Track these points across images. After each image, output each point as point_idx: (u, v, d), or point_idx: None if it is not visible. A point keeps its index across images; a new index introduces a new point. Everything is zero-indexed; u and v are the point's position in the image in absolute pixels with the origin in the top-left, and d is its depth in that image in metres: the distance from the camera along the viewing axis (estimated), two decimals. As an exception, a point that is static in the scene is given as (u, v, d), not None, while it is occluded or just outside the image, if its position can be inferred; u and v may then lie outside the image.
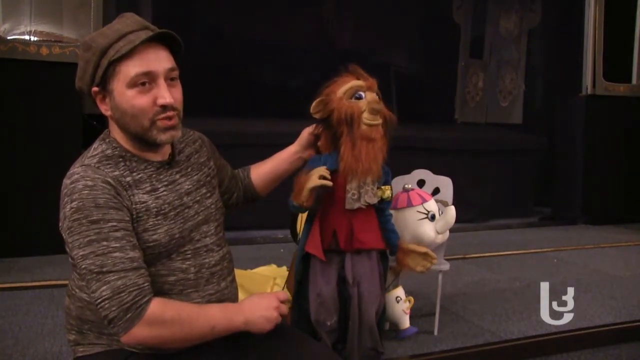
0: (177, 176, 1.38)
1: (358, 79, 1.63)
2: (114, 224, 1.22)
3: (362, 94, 1.61)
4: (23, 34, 2.97)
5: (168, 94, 1.27)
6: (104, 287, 1.19)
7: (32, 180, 2.90)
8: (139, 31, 1.27)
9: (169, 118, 1.29)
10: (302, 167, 1.69)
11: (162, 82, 1.28)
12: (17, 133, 2.94)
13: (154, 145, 1.33)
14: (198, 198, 1.40)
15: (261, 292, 1.40)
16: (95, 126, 2.88)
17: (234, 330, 1.30)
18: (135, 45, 1.23)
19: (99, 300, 1.19)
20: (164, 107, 1.28)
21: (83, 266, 1.20)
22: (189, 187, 1.39)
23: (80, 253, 1.20)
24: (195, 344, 1.29)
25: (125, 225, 1.24)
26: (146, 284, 1.23)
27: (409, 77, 5.55)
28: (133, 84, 1.26)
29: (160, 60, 1.28)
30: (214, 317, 1.28)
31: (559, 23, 5.15)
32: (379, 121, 1.60)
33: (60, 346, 1.91)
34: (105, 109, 1.31)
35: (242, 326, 1.31)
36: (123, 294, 1.19)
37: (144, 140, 1.31)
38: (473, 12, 5.33)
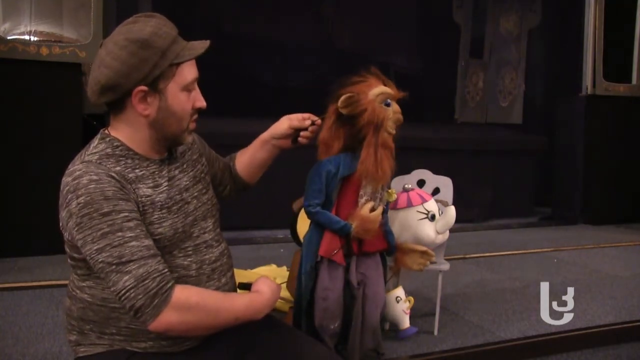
0: (176, 172, 1.39)
1: (385, 84, 1.62)
2: (126, 214, 1.22)
3: (390, 102, 1.62)
4: (23, 34, 2.97)
5: (203, 98, 1.36)
6: (127, 277, 1.18)
7: (32, 180, 2.90)
8: (178, 35, 1.32)
9: (195, 119, 1.37)
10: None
11: (197, 86, 1.35)
12: (17, 133, 2.94)
13: (175, 145, 1.38)
14: (196, 194, 1.41)
15: (271, 284, 1.42)
16: (95, 126, 2.88)
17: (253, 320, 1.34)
18: (199, 53, 1.30)
19: (123, 291, 1.19)
20: (197, 110, 1.35)
21: (100, 260, 1.19)
22: (187, 183, 1.40)
23: (95, 247, 1.19)
24: (218, 330, 1.31)
25: (135, 215, 1.24)
26: (166, 270, 1.23)
27: (409, 77, 5.55)
28: (187, 88, 1.31)
29: (196, 66, 1.34)
30: (239, 310, 1.31)
31: (559, 23, 5.16)
32: (395, 132, 1.63)
33: (60, 346, 1.91)
34: (144, 108, 1.28)
35: (260, 318, 1.35)
36: (147, 281, 1.19)
37: (173, 140, 1.35)
38: (473, 12, 5.33)
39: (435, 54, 5.53)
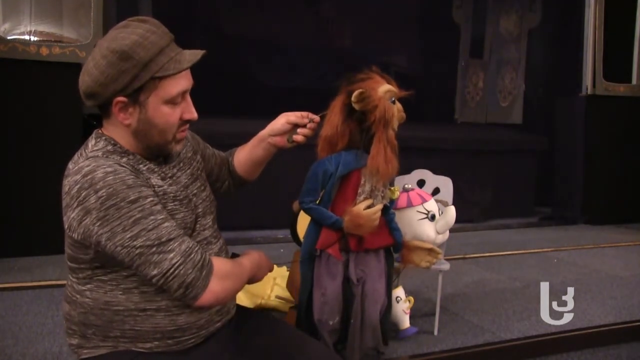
0: (175, 170, 1.39)
1: (389, 83, 1.63)
2: (151, 198, 1.23)
3: (394, 99, 1.62)
4: (23, 34, 2.97)
5: (194, 110, 1.32)
6: (172, 255, 1.20)
7: (32, 180, 2.91)
8: (171, 44, 1.26)
9: (184, 130, 1.34)
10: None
11: (188, 97, 1.31)
12: (17, 133, 2.94)
13: (163, 154, 1.35)
14: (195, 191, 1.41)
15: (258, 251, 1.53)
16: (95, 126, 2.88)
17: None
18: (184, 67, 1.25)
19: (171, 269, 1.20)
20: (186, 121, 1.32)
21: (137, 245, 1.18)
22: (186, 180, 1.40)
23: (128, 235, 1.18)
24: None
25: (158, 199, 1.25)
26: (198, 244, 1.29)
27: (409, 77, 5.55)
28: (171, 101, 1.27)
29: (189, 77, 1.30)
30: (251, 270, 1.42)
31: (559, 23, 5.16)
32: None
33: (61, 346, 1.91)
34: (124, 118, 1.26)
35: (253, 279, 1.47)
36: (192, 255, 1.23)
37: (158, 150, 1.32)
38: (473, 12, 5.33)
39: (435, 54, 5.53)
